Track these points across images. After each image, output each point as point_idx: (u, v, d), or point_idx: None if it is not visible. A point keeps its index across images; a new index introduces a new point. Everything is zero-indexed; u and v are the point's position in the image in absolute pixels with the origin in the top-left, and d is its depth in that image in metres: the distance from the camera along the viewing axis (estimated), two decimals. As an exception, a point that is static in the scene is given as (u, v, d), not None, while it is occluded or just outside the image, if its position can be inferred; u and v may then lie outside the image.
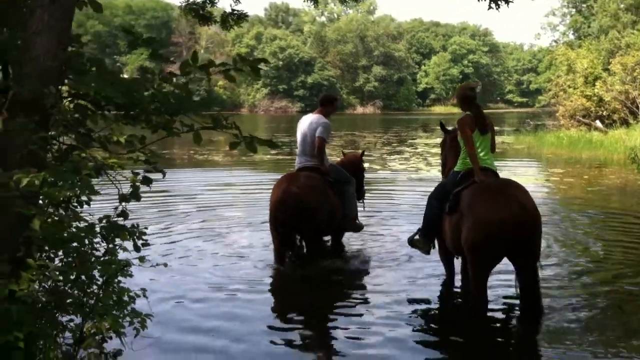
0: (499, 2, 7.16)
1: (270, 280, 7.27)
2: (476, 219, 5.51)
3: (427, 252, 6.75)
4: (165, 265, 4.38)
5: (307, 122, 8.11)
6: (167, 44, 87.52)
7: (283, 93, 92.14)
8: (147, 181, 3.73)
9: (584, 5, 49.36)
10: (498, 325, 5.81)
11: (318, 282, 7.02)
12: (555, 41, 52.05)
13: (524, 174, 17.04)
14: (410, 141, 30.73)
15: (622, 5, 39.59)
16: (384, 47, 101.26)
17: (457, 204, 5.84)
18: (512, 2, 7.15)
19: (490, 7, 7.23)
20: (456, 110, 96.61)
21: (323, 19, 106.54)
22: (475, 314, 5.85)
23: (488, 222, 5.41)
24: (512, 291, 6.04)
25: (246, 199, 12.82)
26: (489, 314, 5.87)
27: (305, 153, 8.06)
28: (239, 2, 7.46)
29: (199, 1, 7.24)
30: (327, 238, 8.60)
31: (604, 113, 29.31)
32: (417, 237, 6.71)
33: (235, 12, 7.55)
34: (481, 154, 6.13)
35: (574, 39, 47.90)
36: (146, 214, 10.22)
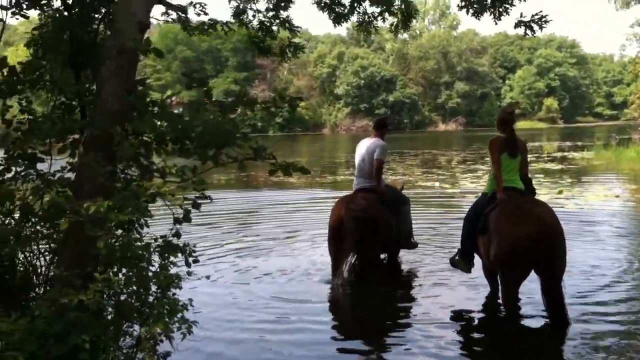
0: (533, 28, 7.47)
1: (320, 296, 7.65)
2: (500, 236, 5.89)
3: (468, 271, 7.11)
4: (208, 277, 4.95)
5: (364, 145, 8.58)
6: (253, 66, 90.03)
7: (364, 112, 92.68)
8: (197, 206, 4.31)
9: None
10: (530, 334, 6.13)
11: (373, 298, 7.38)
12: (642, 52, 50.44)
13: (594, 190, 16.90)
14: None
15: None
16: (467, 62, 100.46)
17: (487, 224, 6.23)
18: (545, 27, 7.42)
19: (525, 34, 7.55)
20: (542, 125, 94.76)
21: (405, 36, 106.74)
22: (507, 323, 6.22)
23: (511, 238, 5.78)
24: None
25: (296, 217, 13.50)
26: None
27: (362, 175, 8.52)
28: (297, 35, 8.04)
29: (260, 35, 7.86)
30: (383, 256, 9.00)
31: (692, 126, 28.41)
32: (457, 257, 7.10)
33: (293, 43, 8.13)
34: (507, 176, 6.49)
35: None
36: (199, 230, 10.96)
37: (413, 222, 9.11)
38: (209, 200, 4.33)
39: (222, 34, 7.38)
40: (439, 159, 32.64)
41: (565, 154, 32.31)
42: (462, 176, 21.89)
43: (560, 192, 16.08)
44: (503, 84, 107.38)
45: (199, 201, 4.29)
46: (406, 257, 9.14)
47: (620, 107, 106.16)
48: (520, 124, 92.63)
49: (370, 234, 7.83)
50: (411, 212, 8.99)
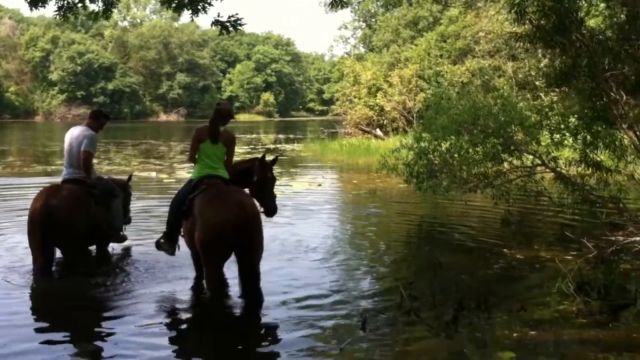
0: (229, 28, 7.91)
1: (27, 287, 7.30)
2: (203, 220, 6.21)
3: (172, 254, 7.29)
4: None
5: (74, 134, 8.19)
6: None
7: (82, 100, 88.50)
8: None
9: (373, 20, 52.83)
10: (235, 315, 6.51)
11: (78, 293, 7.12)
12: (348, 53, 55.11)
13: (301, 179, 18.27)
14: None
15: (402, 21, 43.00)
16: (188, 54, 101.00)
17: (191, 209, 6.49)
18: (240, 28, 7.93)
19: (221, 33, 7.96)
20: (260, 118, 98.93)
21: (125, 23, 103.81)
22: (215, 306, 6.52)
23: (213, 223, 6.12)
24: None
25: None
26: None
27: (71, 165, 8.15)
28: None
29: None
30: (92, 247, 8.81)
31: (385, 122, 31.82)
32: (162, 240, 7.25)
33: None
34: (212, 163, 6.86)
35: (364, 52, 51.11)
36: None
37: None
38: None
39: None
40: (159, 149, 32.50)
41: (278, 146, 34.21)
42: (179, 166, 22.08)
43: (319, 185, 16.97)
44: (223, 77, 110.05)
45: None
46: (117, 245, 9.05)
47: (329, 103, 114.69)
48: (240, 117, 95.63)
49: (61, 231, 7.53)
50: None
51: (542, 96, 21.18)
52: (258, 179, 7.14)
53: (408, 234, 11.01)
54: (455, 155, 10.51)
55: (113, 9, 8.38)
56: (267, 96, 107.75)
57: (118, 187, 8.96)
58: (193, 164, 7.14)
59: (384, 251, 9.34)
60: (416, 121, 28.14)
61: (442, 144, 10.72)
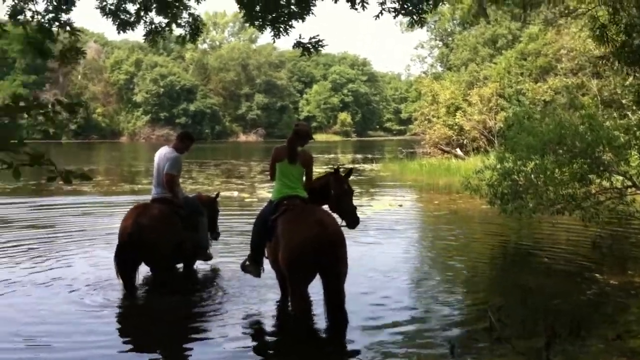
0: (310, 50, 7.96)
1: (114, 305, 7.49)
2: (286, 241, 6.22)
3: (258, 276, 7.32)
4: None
5: (160, 155, 8.48)
6: (43, 68, 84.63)
7: (165, 121, 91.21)
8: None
9: (450, 39, 52.48)
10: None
11: (163, 312, 7.24)
12: (425, 72, 54.91)
13: (381, 199, 18.16)
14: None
15: (480, 40, 42.51)
16: (266, 75, 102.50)
17: (273, 230, 6.52)
18: (321, 50, 7.98)
19: (303, 54, 8.03)
20: (337, 138, 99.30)
21: (205, 46, 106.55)
22: (299, 328, 6.50)
23: (295, 243, 6.13)
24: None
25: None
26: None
27: (159, 185, 8.43)
28: (78, 39, 7.81)
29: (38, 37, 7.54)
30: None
31: (465, 141, 31.34)
32: (247, 262, 7.31)
33: (74, 47, 7.90)
34: (290, 183, 6.90)
35: (442, 71, 50.77)
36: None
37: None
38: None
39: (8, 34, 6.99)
40: (239, 169, 33.04)
41: (357, 165, 34.29)
42: (260, 186, 22.35)
43: (400, 205, 16.91)
44: (301, 98, 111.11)
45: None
46: (203, 265, 9.20)
47: (406, 123, 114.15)
48: (317, 137, 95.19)
49: (150, 249, 7.79)
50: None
51: (630, 115, 20.43)
52: (335, 194, 7.11)
53: (494, 256, 10.77)
54: (541, 176, 10.23)
55: (200, 33, 8.57)
56: (344, 116, 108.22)
57: (206, 203, 9.19)
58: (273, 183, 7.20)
59: (470, 274, 9.15)
60: (497, 141, 27.62)
61: (527, 164, 10.45)
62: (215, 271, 9.09)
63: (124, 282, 7.81)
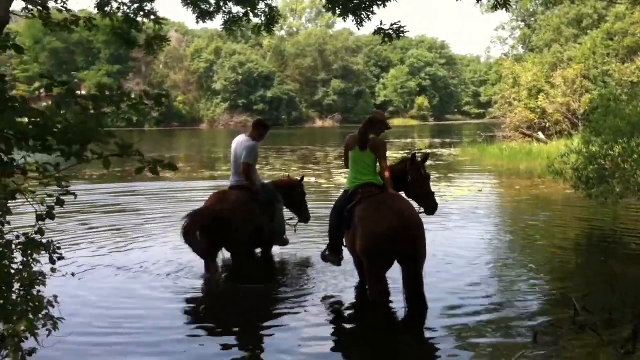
0: (392, 36, 7.89)
1: (194, 290, 7.73)
2: (364, 230, 6.24)
3: (338, 264, 7.39)
4: (73, 274, 4.92)
5: (238, 143, 8.68)
6: (127, 58, 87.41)
7: (243, 107, 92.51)
8: (60, 202, 4.29)
9: (532, 19, 50.96)
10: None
11: (242, 299, 7.37)
12: (505, 54, 53.50)
13: (460, 185, 17.92)
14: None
15: (564, 20, 41.07)
16: (343, 60, 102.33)
17: (351, 219, 6.55)
18: (403, 36, 7.89)
19: (384, 41, 7.96)
20: (414, 122, 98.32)
21: (282, 33, 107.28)
22: (378, 314, 6.52)
23: (374, 232, 6.13)
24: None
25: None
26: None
27: (237, 172, 8.64)
28: (163, 27, 8.04)
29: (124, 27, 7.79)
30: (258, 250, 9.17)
31: (547, 125, 30.44)
32: (327, 252, 7.37)
33: (158, 36, 8.12)
34: (364, 170, 6.91)
35: (523, 53, 49.38)
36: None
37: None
38: (74, 197, 4.32)
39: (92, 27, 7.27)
40: (316, 154, 33.23)
41: (435, 150, 33.87)
42: (336, 171, 22.42)
43: (480, 190, 16.76)
44: (377, 83, 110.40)
45: (62, 198, 4.28)
46: (281, 250, 9.32)
47: (486, 106, 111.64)
48: (394, 121, 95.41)
49: (229, 234, 7.99)
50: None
51: None
52: (412, 179, 7.09)
53: (578, 242, 10.46)
54: (629, 159, 9.87)
55: (276, 23, 8.65)
56: (422, 100, 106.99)
57: (287, 188, 9.32)
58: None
59: (553, 260, 8.95)
60: (581, 124, 26.73)
61: (614, 148, 10.10)
62: (293, 257, 9.20)
63: (206, 267, 8.07)
